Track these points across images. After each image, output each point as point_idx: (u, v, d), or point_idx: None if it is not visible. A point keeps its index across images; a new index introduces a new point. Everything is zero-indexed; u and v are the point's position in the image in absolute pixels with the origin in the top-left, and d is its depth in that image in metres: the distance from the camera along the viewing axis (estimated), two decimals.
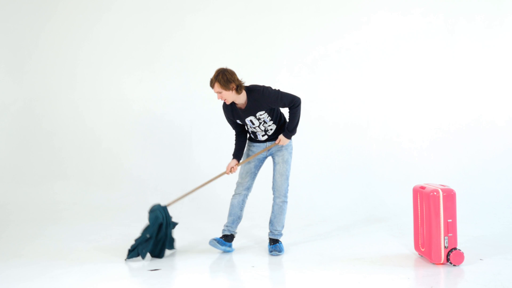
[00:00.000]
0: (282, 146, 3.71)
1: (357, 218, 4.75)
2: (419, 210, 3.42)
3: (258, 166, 3.80)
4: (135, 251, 3.49)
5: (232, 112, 3.61)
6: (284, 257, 3.56)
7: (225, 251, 3.68)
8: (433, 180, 4.79)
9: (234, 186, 3.88)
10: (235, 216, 3.74)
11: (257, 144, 3.75)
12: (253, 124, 3.61)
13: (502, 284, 2.89)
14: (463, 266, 3.23)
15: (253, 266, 3.34)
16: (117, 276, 3.19)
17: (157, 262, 3.46)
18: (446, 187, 3.29)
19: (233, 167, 3.65)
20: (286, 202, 3.73)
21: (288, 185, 3.72)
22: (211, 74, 3.55)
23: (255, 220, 4.67)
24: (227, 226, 3.74)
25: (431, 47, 5.42)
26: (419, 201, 3.41)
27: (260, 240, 4.06)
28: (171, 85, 5.77)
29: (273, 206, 3.74)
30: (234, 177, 4.13)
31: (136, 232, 4.38)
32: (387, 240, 3.97)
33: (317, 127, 5.53)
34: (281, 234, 3.75)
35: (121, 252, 3.73)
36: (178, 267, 3.38)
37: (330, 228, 4.41)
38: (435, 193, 3.23)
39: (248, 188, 3.77)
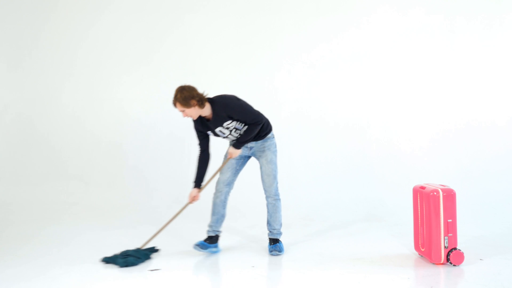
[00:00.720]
0: (264, 147, 3.64)
1: (357, 218, 4.75)
2: (419, 210, 3.42)
3: (240, 162, 3.71)
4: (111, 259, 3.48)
5: (202, 124, 3.55)
6: (284, 257, 3.56)
7: (210, 253, 3.65)
8: (433, 180, 4.79)
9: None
10: (219, 215, 3.69)
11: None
12: (224, 133, 3.56)
13: (502, 284, 2.89)
14: (463, 266, 3.23)
15: (253, 266, 3.34)
16: (117, 276, 3.19)
17: (157, 262, 3.46)
18: (446, 187, 3.29)
19: (195, 196, 3.60)
20: (279, 199, 3.70)
21: (277, 183, 3.68)
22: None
23: (255, 220, 4.66)
24: (211, 226, 3.71)
25: (431, 47, 5.42)
26: (419, 201, 3.41)
27: (259, 240, 4.05)
28: (171, 85, 5.73)
29: (267, 206, 3.72)
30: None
31: (136, 232, 4.39)
32: (387, 240, 3.97)
33: (317, 127, 5.53)
34: (280, 233, 3.74)
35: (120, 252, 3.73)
36: (178, 267, 3.38)
37: (330, 228, 4.41)
38: (435, 193, 3.23)
39: (229, 184, 3.70)
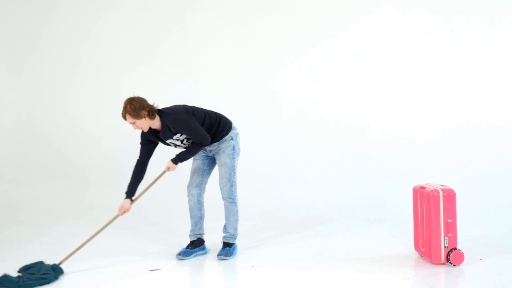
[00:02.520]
0: (219, 149, 3.57)
1: (357, 218, 4.75)
2: (419, 210, 3.42)
3: (205, 163, 3.67)
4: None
5: (153, 135, 3.44)
6: (284, 257, 3.56)
7: (197, 256, 3.61)
8: (433, 180, 4.79)
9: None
10: (196, 217, 3.65)
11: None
12: (175, 143, 3.50)
13: (502, 284, 2.89)
14: (463, 266, 3.23)
15: (253, 266, 3.34)
16: (117, 276, 3.20)
17: (157, 262, 3.46)
18: (446, 187, 3.29)
19: (127, 208, 3.46)
20: (234, 203, 3.62)
21: (231, 185, 3.58)
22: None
23: (255, 221, 4.67)
24: (192, 230, 3.67)
25: (432, 47, 5.42)
26: (419, 201, 3.41)
27: (259, 239, 4.06)
28: (172, 84, 5.78)
29: (224, 208, 3.67)
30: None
31: (136, 232, 4.39)
32: (387, 240, 3.97)
33: (317, 128, 5.53)
34: (233, 237, 3.66)
35: (120, 252, 3.73)
36: (178, 267, 3.38)
37: (330, 228, 4.41)
38: (435, 193, 3.23)
39: (198, 186, 3.64)
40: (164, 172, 3.55)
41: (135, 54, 5.87)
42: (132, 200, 3.49)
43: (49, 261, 3.49)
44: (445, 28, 5.40)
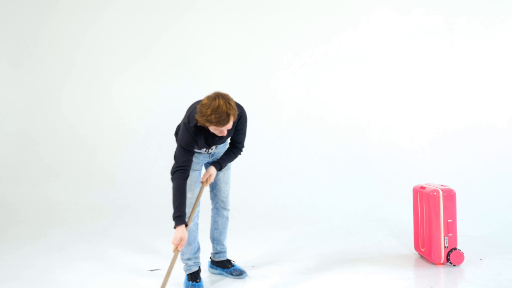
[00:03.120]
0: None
1: (357, 218, 4.75)
2: (419, 210, 3.42)
3: (200, 173, 3.04)
4: None
5: (206, 140, 2.81)
6: (284, 257, 3.56)
7: None
8: (433, 180, 4.79)
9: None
10: (195, 242, 2.97)
11: (202, 154, 3.01)
12: (216, 148, 2.99)
13: (502, 284, 2.89)
14: (463, 266, 3.23)
15: (253, 266, 3.34)
16: (117, 276, 3.20)
17: (157, 262, 3.46)
18: (446, 187, 3.29)
19: (183, 238, 2.65)
20: (229, 211, 3.22)
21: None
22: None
23: (255, 221, 4.67)
24: (192, 259, 2.97)
25: (432, 47, 5.42)
26: (419, 201, 3.41)
27: (259, 240, 4.06)
28: (171, 85, 5.77)
29: (216, 221, 3.16)
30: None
31: (136, 232, 4.39)
32: (387, 240, 3.97)
33: (317, 127, 5.53)
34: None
35: (120, 252, 3.73)
36: (178, 267, 3.38)
37: (330, 228, 4.41)
38: (435, 193, 3.23)
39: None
40: (207, 184, 2.96)
41: (134, 53, 5.86)
42: (187, 226, 2.72)
43: (48, 261, 3.49)
44: (445, 28, 5.40)
